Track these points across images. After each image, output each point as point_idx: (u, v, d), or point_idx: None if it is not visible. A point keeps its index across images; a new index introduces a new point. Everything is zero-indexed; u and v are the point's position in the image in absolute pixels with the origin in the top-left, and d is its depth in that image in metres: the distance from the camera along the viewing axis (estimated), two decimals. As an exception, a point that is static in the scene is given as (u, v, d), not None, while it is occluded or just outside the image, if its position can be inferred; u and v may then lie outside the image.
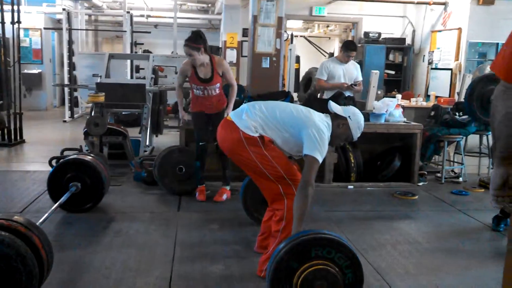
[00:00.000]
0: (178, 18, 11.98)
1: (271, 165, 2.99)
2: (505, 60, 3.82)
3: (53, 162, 5.27)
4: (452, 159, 6.60)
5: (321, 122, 3.00)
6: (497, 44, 8.24)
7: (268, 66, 6.13)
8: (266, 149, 2.99)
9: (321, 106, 3.43)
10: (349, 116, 3.08)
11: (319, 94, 6.40)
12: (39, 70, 12.03)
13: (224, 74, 4.71)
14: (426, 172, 5.91)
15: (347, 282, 2.43)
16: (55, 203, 3.91)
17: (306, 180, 2.82)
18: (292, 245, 2.43)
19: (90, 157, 4.41)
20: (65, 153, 5.62)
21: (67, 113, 10.46)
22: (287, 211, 3.00)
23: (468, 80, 6.80)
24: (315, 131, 2.90)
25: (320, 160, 2.87)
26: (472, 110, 5.51)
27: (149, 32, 12.63)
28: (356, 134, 3.13)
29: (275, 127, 3.02)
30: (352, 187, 5.50)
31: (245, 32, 10.15)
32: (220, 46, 11.30)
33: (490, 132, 6.13)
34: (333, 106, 3.13)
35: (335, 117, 3.10)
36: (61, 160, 4.42)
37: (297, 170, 3.16)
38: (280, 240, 2.95)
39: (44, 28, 12.03)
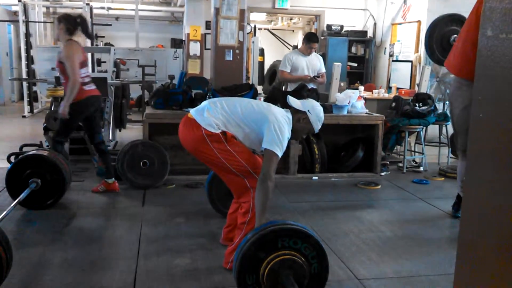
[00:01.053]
0: (140, 10, 11.77)
1: (235, 159, 2.99)
2: (456, 56, 3.93)
3: (12, 158, 5.12)
4: (413, 149, 6.76)
5: (282, 117, 3.03)
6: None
7: (231, 59, 6.11)
8: (229, 145, 3.00)
9: (285, 99, 3.46)
10: (308, 110, 3.12)
11: (283, 87, 6.43)
12: (-5, 64, 11.64)
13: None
14: (388, 162, 6.03)
15: (313, 272, 2.47)
16: (14, 200, 3.80)
17: (265, 174, 2.86)
18: (258, 235, 2.44)
19: (50, 153, 4.30)
20: (25, 148, 5.46)
21: (26, 108, 10.15)
22: (253, 203, 3.01)
23: (428, 72, 6.95)
24: (276, 126, 2.93)
25: (280, 154, 2.91)
26: (432, 50, 5.40)
27: (110, 25, 12.36)
28: (317, 127, 3.18)
29: (236, 123, 3.03)
30: (316, 178, 5.56)
31: (208, 25, 10.09)
32: (183, 39, 11.18)
33: (449, 122, 6.31)
34: (292, 101, 3.17)
35: (295, 111, 3.14)
36: (20, 156, 4.30)
37: (261, 162, 3.17)
38: (246, 232, 2.96)
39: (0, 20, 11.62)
